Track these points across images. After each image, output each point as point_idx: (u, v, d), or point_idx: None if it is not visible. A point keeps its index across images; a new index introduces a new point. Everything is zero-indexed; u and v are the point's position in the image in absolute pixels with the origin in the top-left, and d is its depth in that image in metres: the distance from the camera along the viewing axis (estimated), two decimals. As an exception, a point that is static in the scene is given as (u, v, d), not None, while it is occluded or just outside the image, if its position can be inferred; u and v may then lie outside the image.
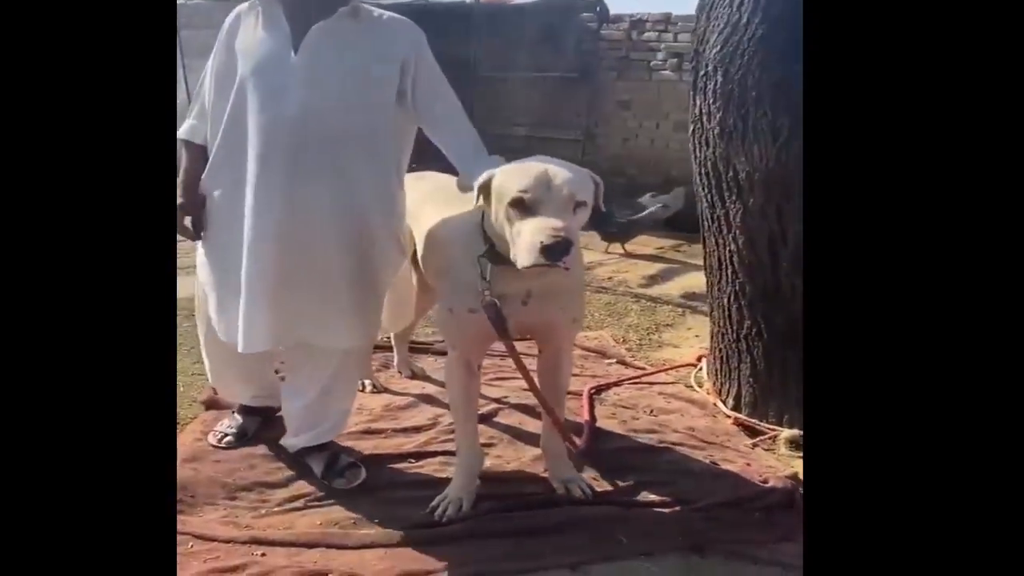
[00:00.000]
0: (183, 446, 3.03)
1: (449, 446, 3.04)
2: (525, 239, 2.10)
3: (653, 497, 2.77)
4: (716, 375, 3.57)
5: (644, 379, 3.82)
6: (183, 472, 2.84)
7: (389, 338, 3.86)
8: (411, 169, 3.19)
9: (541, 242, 2.05)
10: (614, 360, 4.07)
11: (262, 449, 3.06)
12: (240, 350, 2.61)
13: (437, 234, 2.66)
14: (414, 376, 3.81)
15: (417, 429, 3.25)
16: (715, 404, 3.52)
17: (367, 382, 3.61)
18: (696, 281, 5.52)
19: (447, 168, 2.73)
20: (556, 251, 2.05)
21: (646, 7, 7.61)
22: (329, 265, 2.57)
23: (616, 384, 3.71)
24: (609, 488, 2.84)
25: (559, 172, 2.17)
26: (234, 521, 2.63)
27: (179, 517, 2.60)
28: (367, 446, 3.09)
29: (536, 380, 2.71)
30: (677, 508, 2.71)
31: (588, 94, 7.69)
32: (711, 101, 3.17)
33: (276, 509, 2.70)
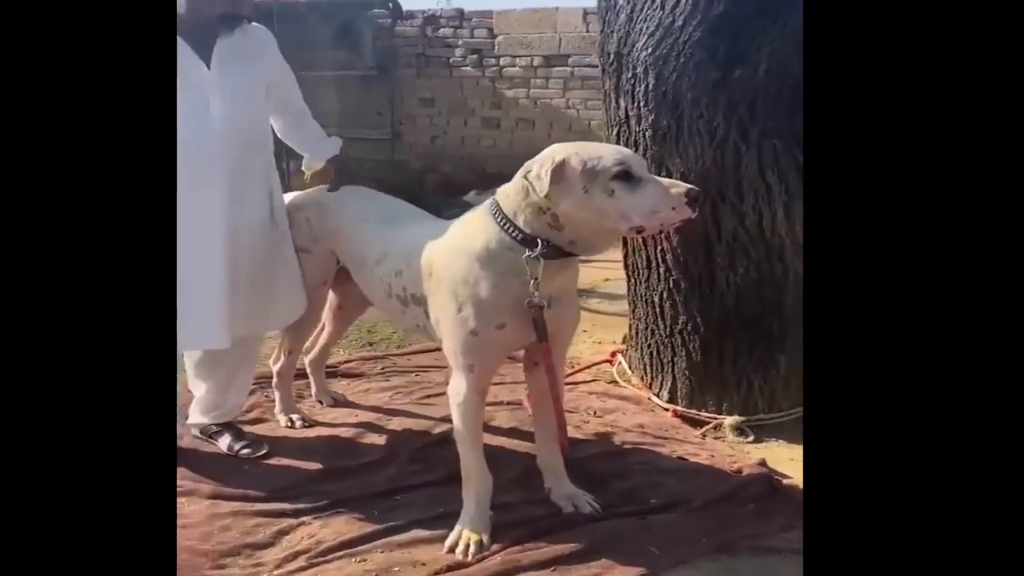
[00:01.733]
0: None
1: (428, 476, 2.94)
2: (667, 199, 2.24)
3: (655, 502, 2.79)
4: (645, 370, 3.65)
5: (568, 381, 3.82)
6: (150, 548, 2.50)
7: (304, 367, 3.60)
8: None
9: (686, 192, 2.24)
10: (527, 364, 4.04)
11: (226, 507, 2.76)
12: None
13: (438, 255, 2.53)
14: (336, 404, 3.58)
15: (382, 463, 3.07)
16: (649, 399, 3.60)
17: (294, 417, 3.36)
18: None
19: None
20: (699, 197, 2.27)
21: (437, 3, 7.55)
22: (225, 264, 2.78)
23: (547, 389, 3.69)
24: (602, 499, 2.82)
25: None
26: (238, 593, 2.36)
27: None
28: (341, 488, 2.87)
29: (533, 394, 2.76)
30: (681, 511, 2.74)
31: (389, 92, 7.55)
32: (641, 103, 3.22)
33: (277, 572, 2.46)
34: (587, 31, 7.06)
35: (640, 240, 3.45)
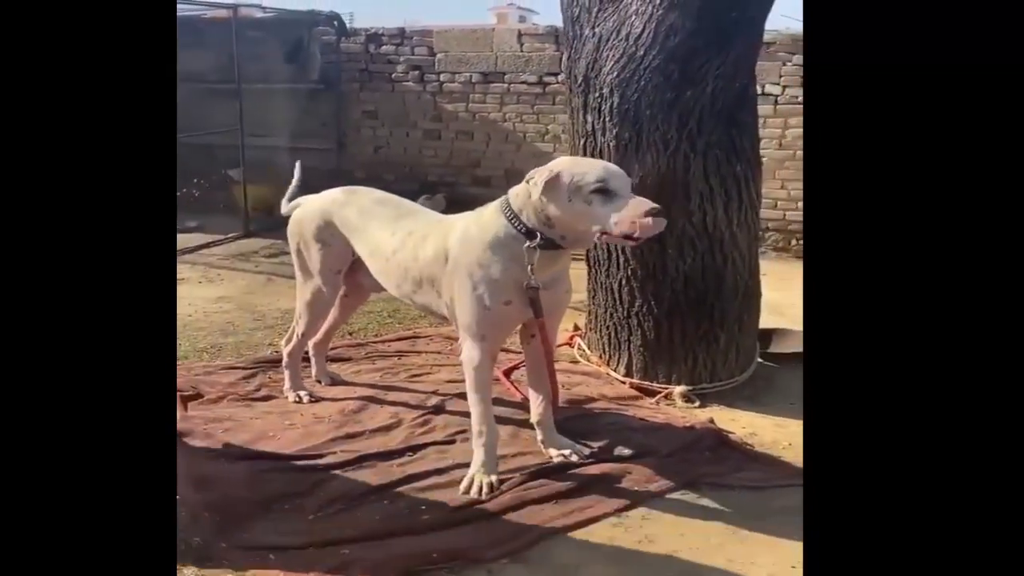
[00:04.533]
0: (191, 473, 3.06)
1: (434, 437, 3.43)
2: (630, 212, 2.68)
3: (628, 451, 3.34)
4: (604, 349, 4.20)
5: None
6: (208, 498, 2.92)
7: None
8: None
9: (648, 211, 2.66)
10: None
11: (264, 464, 3.19)
12: None
13: (455, 243, 3.02)
14: (333, 383, 4.02)
15: (388, 428, 3.53)
16: (607, 374, 4.15)
17: (302, 393, 3.80)
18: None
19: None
20: (662, 215, 2.70)
21: (381, 22, 7.98)
22: None
23: (516, 367, 4.16)
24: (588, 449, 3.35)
25: (609, 163, 2.88)
26: (292, 531, 2.80)
27: (234, 536, 2.74)
28: (358, 448, 3.33)
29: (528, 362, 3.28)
30: (652, 458, 3.29)
31: (334, 105, 7.97)
32: (607, 119, 3.78)
33: (320, 514, 2.90)
34: (521, 50, 7.64)
35: (602, 235, 3.99)
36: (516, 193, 2.91)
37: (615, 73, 3.70)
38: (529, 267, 2.85)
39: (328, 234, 3.47)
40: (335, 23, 7.90)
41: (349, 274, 3.62)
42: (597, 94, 3.80)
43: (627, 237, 2.72)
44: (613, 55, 3.71)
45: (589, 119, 3.87)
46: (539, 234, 2.84)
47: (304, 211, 3.57)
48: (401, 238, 3.24)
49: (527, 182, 2.85)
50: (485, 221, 2.97)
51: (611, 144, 3.79)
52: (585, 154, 3.94)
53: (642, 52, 3.62)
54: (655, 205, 2.70)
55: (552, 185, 2.76)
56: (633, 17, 3.63)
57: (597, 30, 3.77)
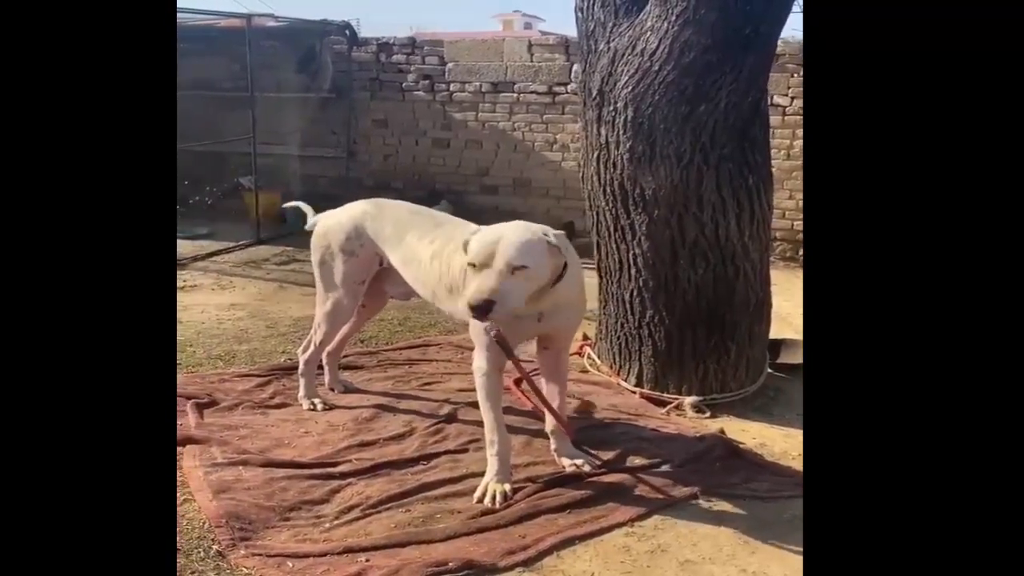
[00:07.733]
0: (208, 480, 3.10)
1: (447, 445, 3.46)
2: (466, 295, 2.73)
3: (641, 461, 3.37)
4: (614, 359, 4.23)
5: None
6: (225, 505, 2.95)
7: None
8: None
9: (468, 301, 2.67)
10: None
11: (280, 472, 3.21)
12: None
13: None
14: (346, 391, 4.05)
15: (402, 436, 3.57)
16: (618, 384, 4.19)
17: (316, 401, 3.83)
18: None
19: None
20: (480, 309, 2.66)
21: (385, 28, 8.05)
22: None
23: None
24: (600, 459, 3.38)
25: (505, 241, 2.73)
26: (309, 538, 2.83)
27: (252, 543, 2.77)
28: (372, 456, 3.36)
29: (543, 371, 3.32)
30: (664, 468, 3.33)
31: (345, 113, 8.03)
32: (621, 131, 3.82)
33: (337, 522, 2.93)
34: (531, 60, 7.69)
35: (613, 245, 4.04)
36: None
37: (630, 87, 3.75)
38: None
39: (356, 245, 3.54)
40: (347, 32, 7.97)
41: (371, 284, 3.66)
42: (611, 107, 3.84)
43: None
44: (628, 70, 3.75)
45: (603, 132, 3.92)
46: None
47: (332, 222, 3.62)
48: (440, 245, 3.32)
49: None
50: None
51: (624, 157, 3.83)
52: (597, 166, 3.99)
53: (657, 67, 3.66)
54: (481, 299, 2.66)
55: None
56: (648, 33, 3.67)
57: (612, 45, 3.82)
